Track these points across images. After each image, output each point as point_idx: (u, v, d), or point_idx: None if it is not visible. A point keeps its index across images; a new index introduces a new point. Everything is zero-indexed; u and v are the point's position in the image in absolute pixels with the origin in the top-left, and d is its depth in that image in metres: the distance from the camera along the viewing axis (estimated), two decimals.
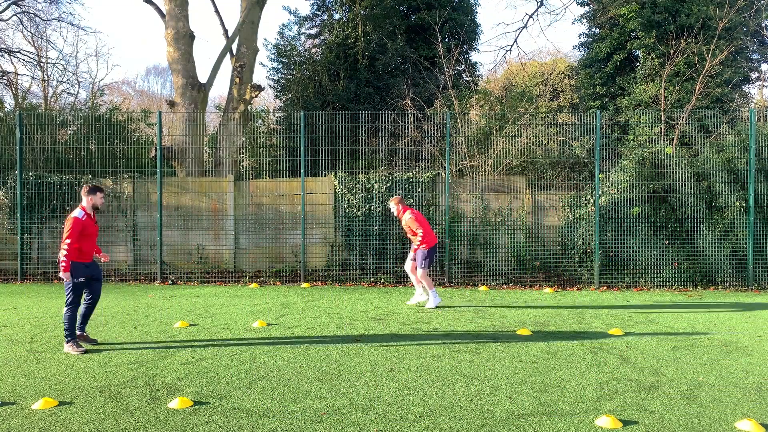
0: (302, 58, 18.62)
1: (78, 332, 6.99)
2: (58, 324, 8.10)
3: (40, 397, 5.10)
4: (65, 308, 6.61)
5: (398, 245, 12.11)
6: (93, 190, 6.78)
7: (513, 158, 12.65)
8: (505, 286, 11.73)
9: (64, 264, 6.50)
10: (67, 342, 6.59)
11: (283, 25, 25.61)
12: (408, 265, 9.52)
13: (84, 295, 6.92)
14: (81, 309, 6.96)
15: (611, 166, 12.25)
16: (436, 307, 9.22)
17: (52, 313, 8.91)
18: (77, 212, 6.62)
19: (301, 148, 12.34)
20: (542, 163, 12.77)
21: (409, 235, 9.37)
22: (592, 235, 11.64)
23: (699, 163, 11.56)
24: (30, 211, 12.50)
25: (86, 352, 6.50)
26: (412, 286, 11.82)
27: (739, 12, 15.54)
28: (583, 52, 19.42)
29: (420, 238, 9.05)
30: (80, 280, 6.64)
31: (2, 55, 22.78)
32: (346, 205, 12.26)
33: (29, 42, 25.39)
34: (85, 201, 6.74)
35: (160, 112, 12.66)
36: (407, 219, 9.14)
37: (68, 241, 6.47)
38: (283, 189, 12.68)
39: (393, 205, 9.37)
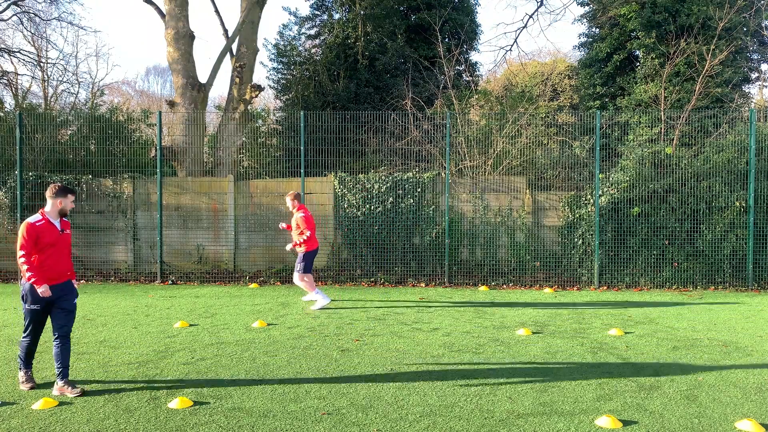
0: (302, 59, 18.63)
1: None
2: None
3: (40, 397, 5.09)
4: (22, 334, 5.42)
5: (398, 245, 12.11)
6: (62, 192, 5.38)
7: (513, 158, 12.64)
8: (505, 286, 11.72)
9: (31, 275, 5.17)
10: (20, 370, 5.45)
11: (283, 25, 25.62)
12: (296, 276, 9.38)
13: (51, 327, 5.44)
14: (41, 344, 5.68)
15: (611, 166, 12.25)
16: (323, 308, 9.23)
17: None
18: (33, 216, 5.31)
19: (301, 148, 12.34)
20: (542, 163, 12.77)
21: (293, 233, 9.40)
22: (592, 235, 11.64)
23: (699, 163, 11.56)
24: (30, 211, 12.49)
25: (33, 388, 5.35)
26: (413, 285, 11.80)
27: (739, 12, 15.54)
28: (583, 52, 19.43)
29: (304, 238, 9.18)
30: (34, 307, 5.26)
31: (2, 55, 22.78)
32: (346, 205, 12.26)
33: (29, 42, 25.41)
34: (50, 204, 5.38)
35: (160, 112, 12.66)
36: (298, 217, 9.22)
37: (21, 252, 5.17)
38: (283, 189, 12.67)
39: (289, 200, 9.41)
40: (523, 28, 20.86)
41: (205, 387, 5.44)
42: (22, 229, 5.22)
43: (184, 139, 14.05)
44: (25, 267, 5.19)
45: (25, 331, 5.43)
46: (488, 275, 11.96)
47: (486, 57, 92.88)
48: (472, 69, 20.04)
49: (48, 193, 5.39)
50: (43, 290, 5.17)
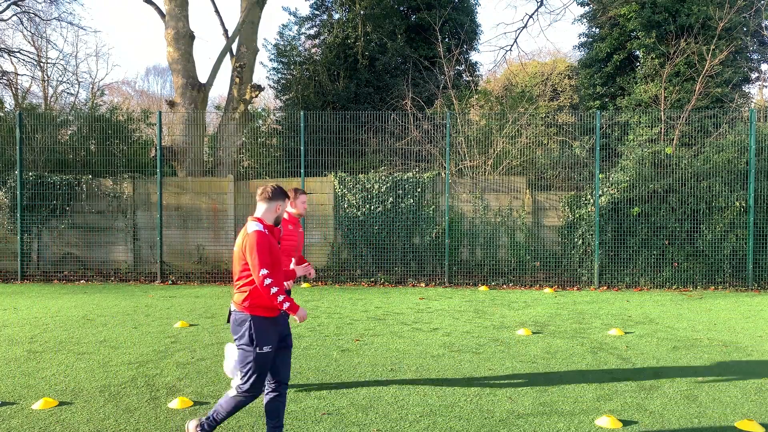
0: (302, 58, 18.63)
1: None
2: (58, 324, 8.10)
3: (40, 397, 5.09)
4: (237, 392, 3.98)
5: (398, 245, 12.11)
6: (281, 194, 4.21)
7: (513, 158, 12.64)
8: (505, 286, 11.72)
9: (283, 299, 3.92)
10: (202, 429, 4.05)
11: (283, 25, 25.63)
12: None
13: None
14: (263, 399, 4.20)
15: (611, 166, 12.25)
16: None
17: (52, 313, 8.91)
18: (255, 225, 4.05)
19: (301, 148, 12.34)
20: (542, 163, 12.77)
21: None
22: (592, 235, 11.64)
23: (699, 163, 11.56)
24: (30, 211, 12.50)
25: None
26: (413, 285, 11.80)
27: (739, 12, 15.54)
28: (583, 52, 19.43)
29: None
30: (268, 349, 3.95)
31: (2, 55, 22.79)
32: (346, 205, 12.26)
33: (29, 42, 25.44)
34: (264, 210, 4.17)
35: (160, 112, 12.66)
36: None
37: (264, 271, 3.86)
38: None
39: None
40: (523, 28, 20.87)
41: (205, 387, 5.44)
42: (253, 241, 3.92)
43: (184, 139, 14.05)
44: (275, 289, 3.86)
45: (246, 388, 3.95)
46: (488, 275, 11.96)
47: (486, 57, 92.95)
48: (472, 69, 20.03)
49: (261, 197, 4.18)
50: (303, 314, 4.09)
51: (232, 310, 4.05)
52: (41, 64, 24.84)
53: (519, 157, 12.63)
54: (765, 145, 11.49)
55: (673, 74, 15.31)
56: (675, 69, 15.16)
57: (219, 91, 56.81)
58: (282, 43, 19.26)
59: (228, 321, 4.11)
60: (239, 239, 4.07)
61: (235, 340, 4.01)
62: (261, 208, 4.19)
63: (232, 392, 3.99)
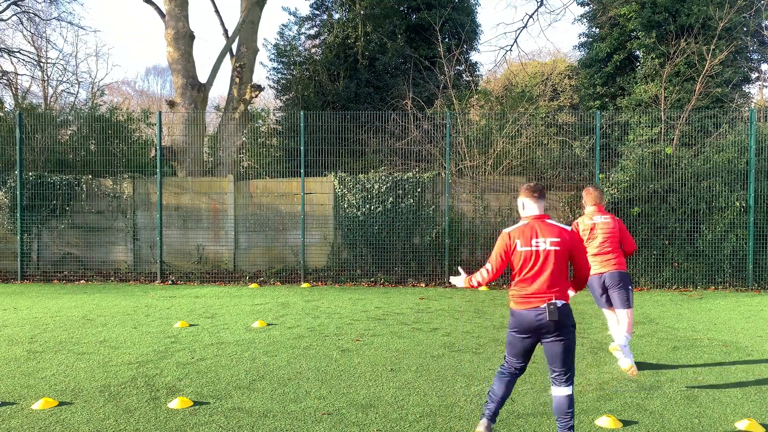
0: (302, 58, 18.64)
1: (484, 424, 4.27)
2: (58, 324, 8.10)
3: (40, 397, 5.09)
4: (567, 384, 4.10)
5: (398, 245, 12.11)
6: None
7: (513, 158, 12.64)
8: (505, 286, 11.72)
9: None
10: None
11: (283, 25, 25.67)
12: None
13: (512, 362, 4.32)
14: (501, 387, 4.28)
15: (611, 166, 12.25)
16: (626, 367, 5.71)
17: (52, 313, 8.91)
18: (557, 221, 4.40)
19: (301, 148, 12.34)
20: (542, 163, 12.76)
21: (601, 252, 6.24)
22: None
23: (699, 163, 11.56)
24: (30, 211, 12.50)
25: None
26: (413, 285, 11.79)
27: (739, 12, 15.54)
28: (583, 52, 19.43)
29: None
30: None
31: (2, 55, 22.78)
32: (346, 205, 12.26)
33: (29, 42, 25.42)
34: (541, 207, 4.36)
35: (160, 112, 12.66)
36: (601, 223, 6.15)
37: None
38: (283, 189, 12.67)
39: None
40: (523, 28, 20.88)
41: (205, 387, 5.44)
42: (577, 235, 4.49)
43: (184, 139, 14.05)
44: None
45: (573, 374, 4.16)
46: None
47: (486, 57, 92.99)
48: (472, 69, 20.03)
49: (536, 195, 4.32)
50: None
51: (559, 304, 4.11)
52: (41, 64, 24.84)
53: (519, 157, 12.62)
54: (765, 145, 11.49)
55: (673, 74, 15.31)
56: (675, 69, 15.15)
57: (219, 91, 56.80)
58: (282, 43, 19.26)
59: (556, 317, 4.05)
60: (554, 238, 4.17)
61: (564, 332, 4.09)
62: (538, 205, 4.33)
63: (566, 390, 4.06)
